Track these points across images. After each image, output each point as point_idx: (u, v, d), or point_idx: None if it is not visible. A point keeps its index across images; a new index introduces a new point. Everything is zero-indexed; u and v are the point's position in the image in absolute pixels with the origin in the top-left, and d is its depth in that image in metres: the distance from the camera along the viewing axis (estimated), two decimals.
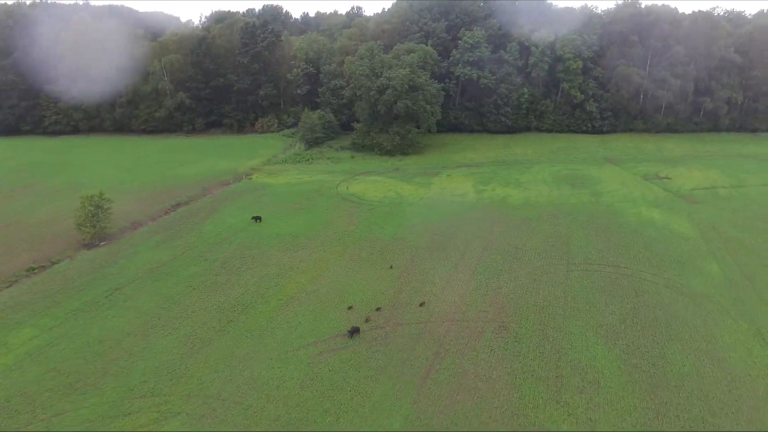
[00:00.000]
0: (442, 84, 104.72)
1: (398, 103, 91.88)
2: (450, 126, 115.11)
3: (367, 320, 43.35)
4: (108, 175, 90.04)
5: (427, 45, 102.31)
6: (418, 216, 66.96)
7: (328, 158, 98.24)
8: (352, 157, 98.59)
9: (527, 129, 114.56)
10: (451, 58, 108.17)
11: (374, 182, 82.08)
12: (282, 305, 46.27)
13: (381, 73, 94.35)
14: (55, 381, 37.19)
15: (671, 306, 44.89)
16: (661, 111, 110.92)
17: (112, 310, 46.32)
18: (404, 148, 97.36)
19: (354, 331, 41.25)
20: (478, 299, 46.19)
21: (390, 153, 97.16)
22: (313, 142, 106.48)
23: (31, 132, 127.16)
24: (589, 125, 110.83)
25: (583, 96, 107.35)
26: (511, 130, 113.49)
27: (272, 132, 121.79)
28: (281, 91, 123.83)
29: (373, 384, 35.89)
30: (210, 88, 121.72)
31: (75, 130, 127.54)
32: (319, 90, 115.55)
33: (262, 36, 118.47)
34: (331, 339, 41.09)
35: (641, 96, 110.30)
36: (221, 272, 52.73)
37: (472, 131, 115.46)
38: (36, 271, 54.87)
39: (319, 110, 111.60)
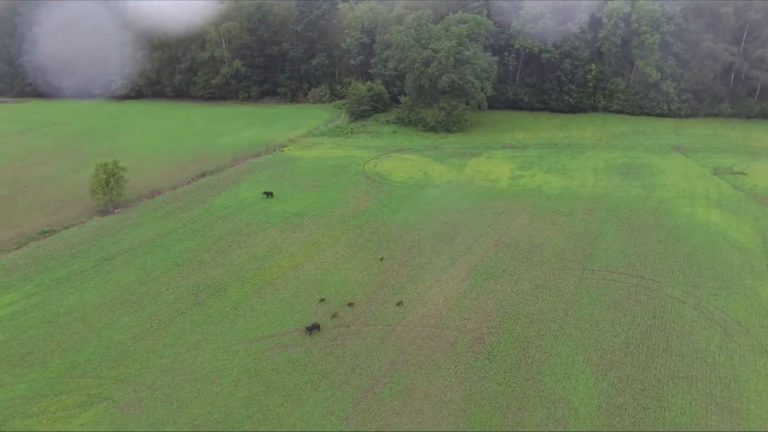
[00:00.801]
0: (497, 58, 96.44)
1: (443, 77, 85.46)
2: (508, 103, 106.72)
3: (333, 315, 39.99)
4: (151, 141, 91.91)
5: (482, 15, 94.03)
6: (437, 201, 61.87)
7: (369, 132, 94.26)
8: (395, 132, 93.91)
9: (593, 109, 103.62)
10: (511, 30, 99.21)
11: (406, 161, 77.32)
12: (255, 290, 43.87)
13: (427, 44, 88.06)
14: (11, 350, 37.17)
15: (692, 334, 37.51)
16: (756, 95, 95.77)
17: (93, 281, 46.10)
18: (449, 125, 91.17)
19: (313, 328, 37.98)
20: (465, 303, 41.18)
21: (434, 129, 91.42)
22: (359, 115, 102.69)
23: (100, 96, 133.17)
24: (665, 108, 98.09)
25: (659, 74, 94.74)
26: (574, 110, 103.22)
27: (324, 102, 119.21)
28: (335, 60, 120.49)
29: (310, 391, 32.58)
30: (264, 56, 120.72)
31: (139, 95, 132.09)
32: (372, 61, 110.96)
33: (317, 3, 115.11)
34: (289, 334, 38.15)
35: (731, 76, 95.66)
36: (211, 249, 51.19)
37: (532, 109, 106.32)
38: (47, 234, 56.23)
39: (369, 82, 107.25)
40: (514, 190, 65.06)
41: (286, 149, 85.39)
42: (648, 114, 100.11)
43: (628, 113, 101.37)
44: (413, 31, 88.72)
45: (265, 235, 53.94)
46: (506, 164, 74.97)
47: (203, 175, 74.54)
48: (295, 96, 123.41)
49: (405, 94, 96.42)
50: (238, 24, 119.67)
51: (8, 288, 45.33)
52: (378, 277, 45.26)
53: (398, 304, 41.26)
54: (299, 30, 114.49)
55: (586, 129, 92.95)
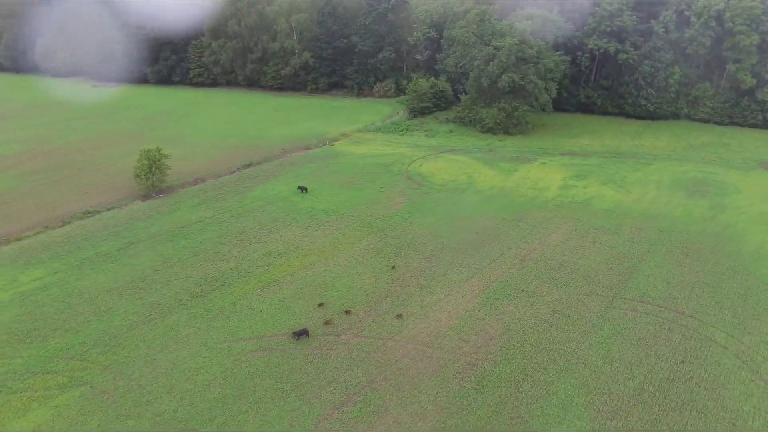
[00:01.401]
0: (568, 57, 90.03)
1: (503, 76, 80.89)
2: (579, 106, 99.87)
3: (327, 323, 38.31)
4: (211, 128, 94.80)
5: (552, 12, 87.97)
6: (473, 207, 58.41)
7: (425, 130, 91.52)
8: (451, 131, 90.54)
9: (674, 116, 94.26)
10: (585, 28, 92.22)
11: (453, 162, 74.02)
12: (259, 288, 43.19)
13: (490, 41, 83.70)
14: (21, 324, 38.85)
15: (725, 387, 32.18)
16: None
17: (114, 264, 47.50)
18: (509, 127, 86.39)
19: (301, 333, 36.58)
20: (469, 323, 38.05)
21: (492, 131, 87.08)
22: (418, 112, 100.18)
23: (180, 82, 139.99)
24: (759, 117, 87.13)
25: (755, 81, 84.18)
26: (652, 116, 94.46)
27: (389, 97, 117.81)
28: (403, 55, 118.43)
29: (278, 400, 31.19)
30: (333, 49, 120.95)
31: (214, 83, 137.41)
32: (438, 56, 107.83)
33: None
34: (277, 336, 37.02)
35: None
36: (231, 242, 51.24)
37: (605, 113, 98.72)
38: (90, 215, 59.03)
39: (433, 78, 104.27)
40: (559, 201, 60.09)
41: (336, 143, 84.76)
42: (738, 124, 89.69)
43: (715, 122, 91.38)
44: (475, 26, 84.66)
45: (286, 231, 53.27)
46: (560, 172, 69.61)
47: (249, 165, 75.54)
48: (361, 89, 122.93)
49: (466, 93, 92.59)
50: (309, 16, 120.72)
51: (39, 264, 47.75)
52: (385, 286, 43.06)
53: (397, 316, 38.92)
54: (367, 23, 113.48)
55: (660, 138, 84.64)
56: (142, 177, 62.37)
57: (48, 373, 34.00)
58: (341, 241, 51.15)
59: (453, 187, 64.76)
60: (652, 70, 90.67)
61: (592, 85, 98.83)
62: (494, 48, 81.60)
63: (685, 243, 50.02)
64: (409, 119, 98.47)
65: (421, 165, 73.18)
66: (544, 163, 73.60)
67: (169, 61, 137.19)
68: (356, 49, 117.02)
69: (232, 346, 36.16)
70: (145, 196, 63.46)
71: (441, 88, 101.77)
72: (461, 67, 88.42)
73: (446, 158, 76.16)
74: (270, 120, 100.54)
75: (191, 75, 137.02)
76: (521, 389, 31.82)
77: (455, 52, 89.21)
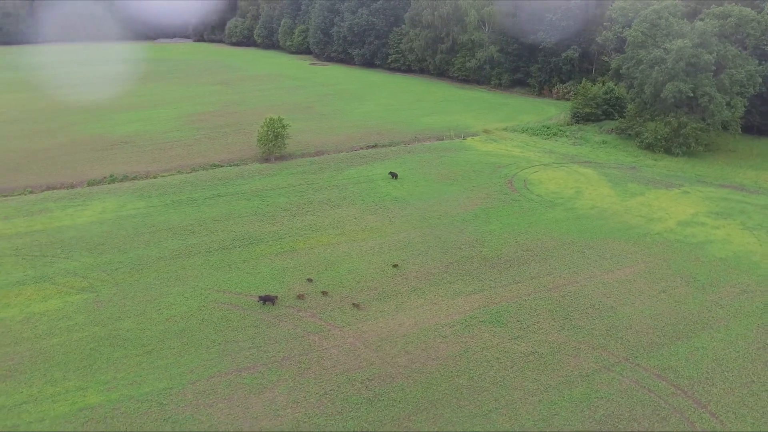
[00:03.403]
0: None
1: (668, 85, 67.90)
2: None
3: (299, 296, 39.28)
4: (369, 109, 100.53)
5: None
6: (548, 223, 51.76)
7: (575, 137, 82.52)
8: (604, 142, 79.89)
9: None
10: None
11: (575, 174, 65.73)
12: (274, 253, 46.03)
13: (662, 42, 70.74)
14: (96, 238, 48.55)
15: None
16: None
17: (190, 208, 55.42)
18: (671, 146, 72.47)
19: (267, 299, 38.27)
20: (427, 336, 34.97)
21: (651, 148, 74.22)
22: (582, 118, 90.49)
23: (379, 66, 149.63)
24: None
25: None
26: None
27: (567, 100, 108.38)
28: (591, 56, 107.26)
29: (200, 348, 33.56)
30: (519, 44, 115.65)
31: (408, 70, 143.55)
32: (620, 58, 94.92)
33: None
34: (252, 297, 39.20)
35: None
36: (290, 209, 55.00)
37: None
38: (215, 167, 69.15)
39: (612, 83, 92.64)
40: (664, 237, 49.24)
41: (469, 138, 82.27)
42: None
43: None
44: (647, 25, 72.28)
45: (344, 210, 54.81)
46: (697, 206, 56.52)
47: (374, 146, 78.59)
48: (542, 89, 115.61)
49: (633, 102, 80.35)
50: (501, 8, 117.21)
51: (145, 198, 58.20)
52: (384, 279, 41.80)
53: (355, 305, 37.89)
54: (554, 19, 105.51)
55: None
56: (263, 142, 70.09)
57: (80, 277, 42.09)
58: (383, 228, 50.71)
59: (547, 199, 57.97)
60: None
61: None
62: (664, 50, 68.81)
63: None
64: (568, 124, 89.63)
65: (536, 172, 66.81)
66: (686, 192, 60.42)
67: (372, 45, 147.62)
68: (541, 46, 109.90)
69: (211, 295, 39.66)
70: (265, 160, 71.27)
71: (617, 95, 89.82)
72: (625, 72, 76.68)
73: (570, 169, 67.94)
74: (427, 109, 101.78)
75: (389, 60, 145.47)
76: (404, 418, 28.45)
77: (626, 53, 77.70)
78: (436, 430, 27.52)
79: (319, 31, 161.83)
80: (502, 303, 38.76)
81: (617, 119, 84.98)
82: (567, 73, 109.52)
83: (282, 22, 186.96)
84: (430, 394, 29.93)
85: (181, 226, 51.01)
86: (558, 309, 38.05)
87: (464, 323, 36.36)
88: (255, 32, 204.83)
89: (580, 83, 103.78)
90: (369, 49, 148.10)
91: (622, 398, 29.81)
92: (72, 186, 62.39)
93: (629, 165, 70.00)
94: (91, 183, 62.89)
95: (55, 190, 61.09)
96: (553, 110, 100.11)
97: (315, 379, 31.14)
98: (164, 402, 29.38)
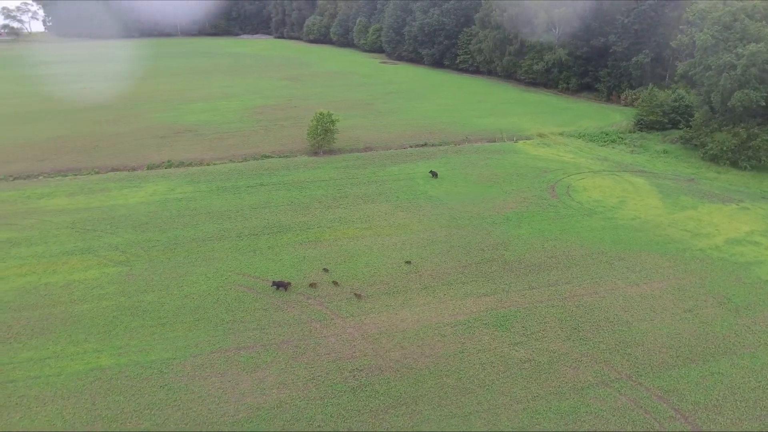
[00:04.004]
0: None
1: (736, 93, 63.04)
2: None
3: (311, 285, 40.54)
4: (426, 109, 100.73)
5: None
6: (581, 231, 49.86)
7: (635, 146, 78.45)
8: (665, 152, 75.45)
9: None
10: None
11: (623, 183, 62.72)
12: (300, 242, 47.57)
13: (734, 47, 65.66)
14: (143, 217, 52.36)
15: None
16: None
17: (233, 195, 58.30)
18: (739, 158, 67.28)
19: (280, 285, 39.82)
20: (425, 334, 35.06)
21: (716, 160, 69.31)
22: (646, 125, 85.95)
23: (448, 66, 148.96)
24: None
25: None
26: None
27: (635, 106, 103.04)
28: (665, 61, 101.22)
29: (208, 325, 35.52)
30: (589, 47, 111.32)
31: (476, 71, 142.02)
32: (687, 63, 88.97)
33: None
34: (269, 281, 40.82)
35: None
36: (325, 202, 56.46)
37: None
38: (266, 157, 72.16)
39: (682, 90, 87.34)
40: (705, 254, 46.05)
41: (520, 141, 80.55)
42: None
43: None
44: (719, 27, 67.35)
45: (376, 205, 55.60)
46: (754, 223, 52.32)
47: (424, 145, 78.84)
48: (610, 94, 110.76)
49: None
50: (572, 10, 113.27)
51: (194, 184, 61.86)
52: (398, 275, 42.21)
53: (357, 295, 38.69)
54: (626, 21, 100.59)
55: None
56: (312, 136, 72.25)
57: (120, 252, 45.66)
58: (411, 225, 51.01)
59: (587, 207, 55.83)
60: None
61: None
62: (735, 56, 63.95)
63: None
64: (630, 131, 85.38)
65: (582, 178, 64.42)
66: (746, 208, 56.07)
67: (441, 45, 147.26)
68: (611, 50, 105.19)
69: (231, 277, 41.78)
70: (314, 153, 73.45)
71: (686, 103, 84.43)
72: (692, 78, 71.94)
73: (620, 177, 64.87)
74: (486, 110, 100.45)
75: (458, 60, 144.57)
76: (382, 411, 28.79)
77: (695, 59, 72.92)
78: (411, 426, 27.69)
79: (391, 30, 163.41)
80: (511, 308, 38.05)
81: (682, 128, 79.84)
82: (637, 79, 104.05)
83: (357, 21, 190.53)
84: (413, 390, 30.10)
85: (220, 211, 53.84)
86: (568, 318, 36.84)
87: (467, 324, 36.08)
88: (331, 30, 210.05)
89: (651, 89, 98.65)
90: (438, 49, 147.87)
91: (613, 416, 28.56)
92: (133, 169, 67.39)
93: (687, 177, 65.79)
94: (150, 167, 67.62)
95: (118, 172, 66.28)
96: (617, 116, 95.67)
97: (307, 363, 32.18)
98: (165, 371, 31.49)
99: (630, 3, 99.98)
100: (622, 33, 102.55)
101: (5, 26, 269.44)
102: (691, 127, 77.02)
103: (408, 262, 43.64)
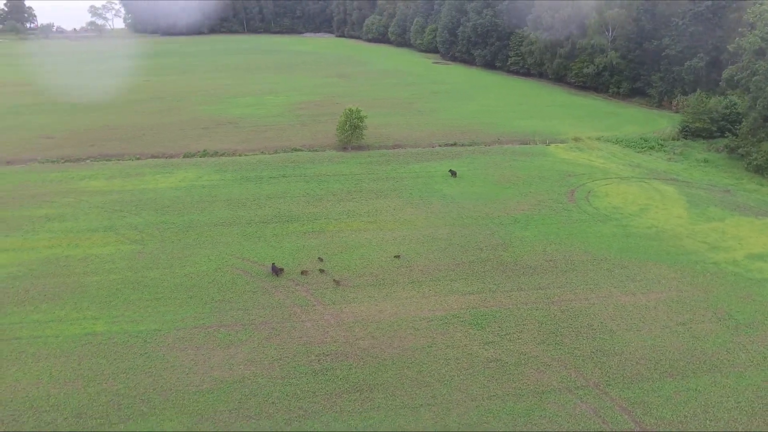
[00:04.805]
0: None
1: None
2: None
3: (303, 272, 42.04)
4: (465, 110, 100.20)
5: None
6: (591, 237, 48.54)
7: (674, 153, 74.77)
8: (705, 161, 71.57)
9: None
10: None
11: (649, 191, 60.24)
12: (304, 232, 49.24)
13: None
14: (167, 202, 55.79)
15: None
16: None
17: (253, 185, 60.86)
18: None
19: (277, 270, 41.56)
20: (399, 325, 35.66)
21: (759, 171, 65.07)
22: (691, 133, 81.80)
23: (500, 68, 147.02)
24: None
25: None
26: None
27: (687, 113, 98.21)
28: (723, 66, 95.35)
29: (201, 303, 37.69)
30: (641, 51, 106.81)
31: (527, 73, 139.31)
32: (734, 67, 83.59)
33: None
34: (266, 266, 42.67)
35: None
36: (339, 195, 57.88)
37: None
38: (295, 150, 74.69)
39: (734, 97, 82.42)
40: (718, 268, 43.72)
41: (552, 145, 78.84)
42: None
43: None
44: (764, 28, 63.15)
45: (387, 201, 56.43)
46: None
47: (453, 144, 78.81)
48: (662, 100, 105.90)
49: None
50: (625, 12, 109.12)
51: (220, 173, 64.99)
52: (388, 268, 42.98)
53: (335, 281, 40.03)
54: (681, 23, 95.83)
55: None
56: (340, 132, 73.95)
57: (138, 231, 49.01)
58: (416, 222, 51.51)
59: (603, 213, 54.21)
60: None
61: None
62: None
63: None
64: (673, 138, 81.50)
65: (607, 184, 62.46)
66: None
67: (494, 46, 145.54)
68: (663, 53, 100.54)
69: (230, 260, 43.96)
70: (342, 148, 75.14)
71: (738, 110, 79.58)
72: (738, 83, 67.83)
73: (648, 185, 62.35)
74: (527, 113, 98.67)
75: (509, 62, 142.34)
76: (336, 395, 29.70)
77: (740, 63, 68.76)
78: (360, 411, 28.46)
79: (446, 31, 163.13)
80: (494, 307, 37.91)
81: (728, 137, 75.44)
82: (691, 84, 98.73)
83: (414, 21, 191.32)
84: (372, 379, 30.84)
85: (238, 199, 56.43)
86: (549, 322, 36.31)
87: (443, 320, 36.35)
88: (390, 30, 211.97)
89: (699, 94, 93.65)
90: (490, 51, 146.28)
91: (567, 422, 28.12)
92: (171, 156, 71.59)
93: (723, 187, 62.28)
94: (186, 155, 71.57)
95: (156, 159, 70.62)
96: (664, 123, 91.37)
97: (278, 345, 33.62)
98: (149, 341, 33.86)
99: (686, 3, 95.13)
100: (676, 35, 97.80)
101: (90, 23, 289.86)
102: (737, 135, 72.73)
103: (397, 257, 44.28)
